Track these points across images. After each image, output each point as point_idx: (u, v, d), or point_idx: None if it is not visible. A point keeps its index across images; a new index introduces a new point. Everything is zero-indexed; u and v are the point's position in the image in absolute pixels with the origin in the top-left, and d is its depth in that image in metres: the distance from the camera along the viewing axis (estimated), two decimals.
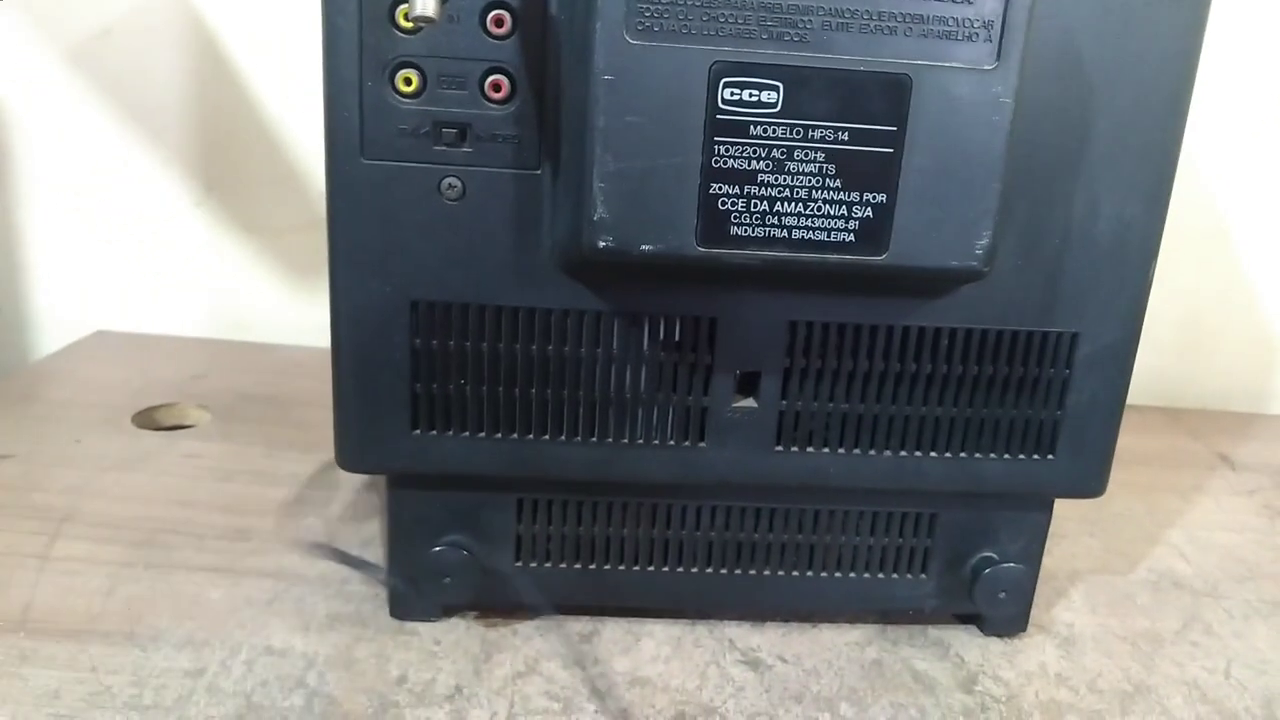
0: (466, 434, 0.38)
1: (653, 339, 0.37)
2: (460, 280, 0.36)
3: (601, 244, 0.32)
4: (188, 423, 0.63)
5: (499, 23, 0.33)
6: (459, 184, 0.35)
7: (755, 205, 0.32)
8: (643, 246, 0.32)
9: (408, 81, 0.34)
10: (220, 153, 0.75)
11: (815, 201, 0.32)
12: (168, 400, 0.64)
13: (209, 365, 0.71)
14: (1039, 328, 0.38)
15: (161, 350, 0.74)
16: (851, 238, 0.32)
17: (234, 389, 0.67)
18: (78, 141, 0.74)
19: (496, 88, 0.34)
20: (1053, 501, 0.42)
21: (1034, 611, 0.43)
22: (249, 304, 0.78)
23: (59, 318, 0.78)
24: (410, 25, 0.33)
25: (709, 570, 0.42)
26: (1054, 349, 0.38)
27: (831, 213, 0.32)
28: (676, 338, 0.37)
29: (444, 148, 0.34)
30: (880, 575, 0.42)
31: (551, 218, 0.35)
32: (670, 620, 0.43)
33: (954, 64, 0.30)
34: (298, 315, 0.78)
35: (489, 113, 0.34)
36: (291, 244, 0.77)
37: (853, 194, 0.32)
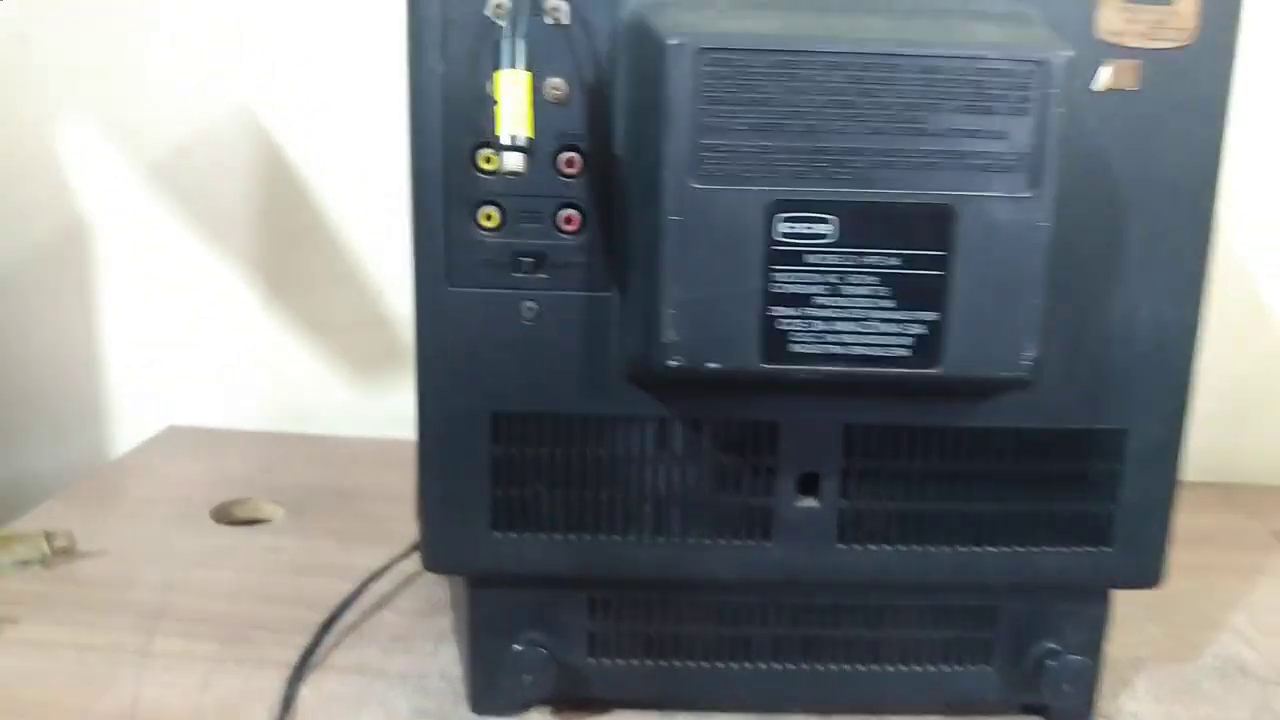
0: (543, 535, 0.40)
1: (717, 443, 0.39)
2: (537, 393, 0.38)
3: (672, 363, 0.34)
4: (262, 517, 0.66)
5: (570, 164, 0.36)
6: (536, 306, 0.38)
7: (813, 325, 0.34)
8: (709, 364, 0.34)
9: (489, 217, 0.37)
10: (285, 256, 0.79)
11: (870, 320, 0.34)
12: (241, 495, 0.67)
13: (277, 459, 0.74)
14: (1087, 425, 0.39)
15: (231, 444, 0.77)
16: (906, 352, 0.34)
17: (302, 483, 0.69)
18: (154, 248, 0.79)
19: (569, 220, 0.37)
20: (1111, 591, 0.43)
21: (1099, 701, 0.44)
22: (311, 397, 0.81)
23: (133, 411, 0.82)
24: (490, 168, 0.36)
25: (776, 665, 0.43)
26: (1103, 445, 0.40)
27: (886, 330, 0.34)
28: (740, 441, 0.39)
29: (522, 275, 0.37)
30: (944, 667, 0.43)
31: (620, 333, 0.38)
32: (740, 713, 0.44)
33: (994, 193, 0.33)
34: (357, 407, 0.81)
35: (562, 243, 0.37)
36: (351, 340, 0.81)
37: (905, 313, 0.34)
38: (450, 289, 0.37)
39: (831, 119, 0.32)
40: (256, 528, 0.63)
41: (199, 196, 0.78)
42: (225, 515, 0.65)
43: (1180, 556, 0.57)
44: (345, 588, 0.54)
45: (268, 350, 0.81)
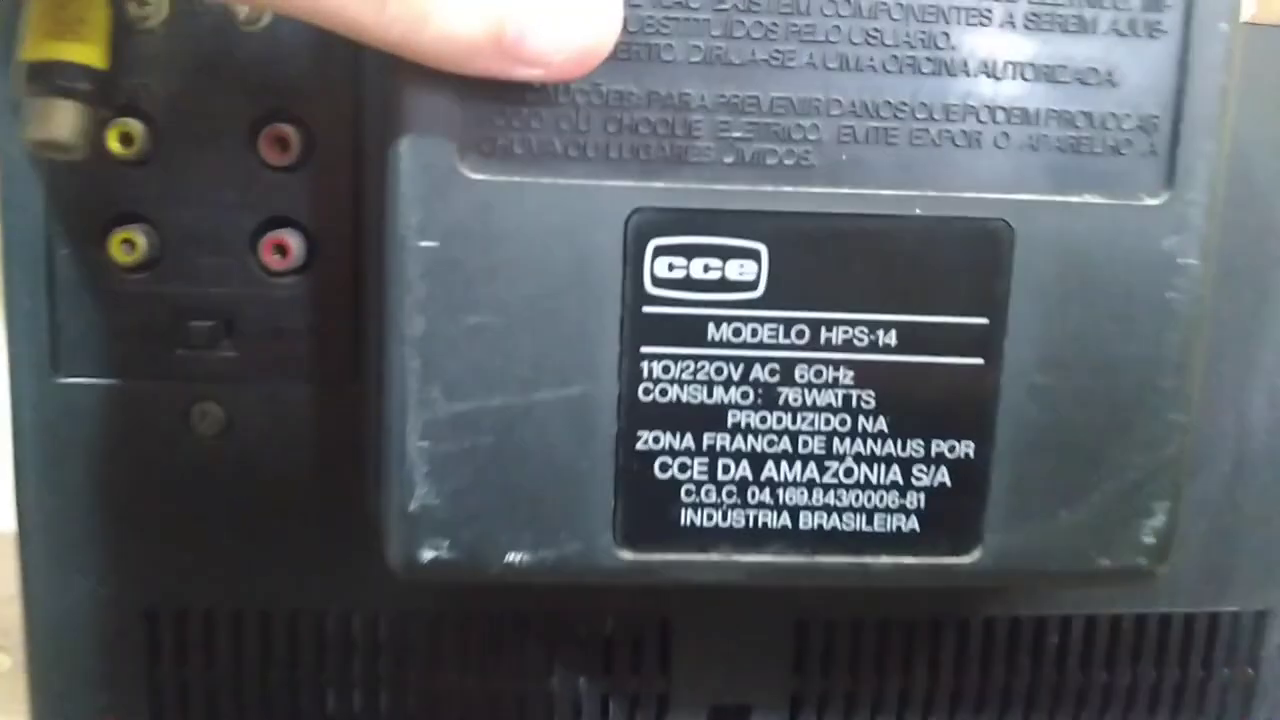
0: None
1: None
2: (230, 573, 0.21)
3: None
4: None
5: (281, 143, 0.19)
6: (218, 411, 0.20)
7: None
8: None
9: (129, 245, 0.20)
10: None
11: None
12: None
13: None
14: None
15: None
16: None
17: None
18: None
19: (280, 250, 0.20)
20: None
21: None
22: None
23: None
24: (125, 153, 0.19)
25: None
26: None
27: None
28: None
29: (191, 351, 0.20)
30: None
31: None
32: None
33: (1086, 197, 0.16)
34: None
35: (268, 290, 0.20)
36: None
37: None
38: (58, 380, 0.20)
39: None
40: None
41: None
42: None
43: None
44: None
45: None
